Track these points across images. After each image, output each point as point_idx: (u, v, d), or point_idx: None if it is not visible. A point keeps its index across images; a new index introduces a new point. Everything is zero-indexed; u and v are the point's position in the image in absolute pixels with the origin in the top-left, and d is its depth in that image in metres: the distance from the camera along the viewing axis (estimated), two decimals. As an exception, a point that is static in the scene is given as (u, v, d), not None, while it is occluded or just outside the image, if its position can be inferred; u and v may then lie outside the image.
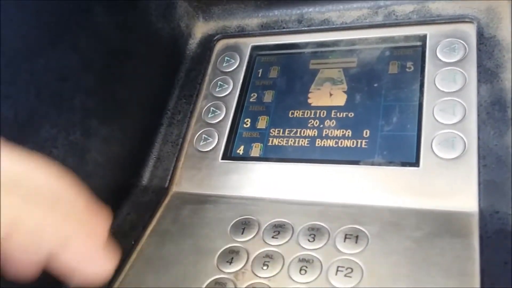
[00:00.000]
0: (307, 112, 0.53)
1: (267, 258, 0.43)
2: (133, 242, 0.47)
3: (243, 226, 0.46)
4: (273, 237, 0.44)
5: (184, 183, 0.53)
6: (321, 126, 0.52)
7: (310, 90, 0.55)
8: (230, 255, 0.44)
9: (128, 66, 0.53)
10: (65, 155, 0.44)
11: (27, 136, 0.41)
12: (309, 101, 0.54)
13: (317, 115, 0.53)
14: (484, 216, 0.40)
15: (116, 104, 0.51)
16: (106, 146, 0.50)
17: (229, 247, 0.45)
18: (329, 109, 0.52)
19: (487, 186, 0.41)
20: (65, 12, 0.45)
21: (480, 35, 0.49)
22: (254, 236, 0.45)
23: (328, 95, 0.54)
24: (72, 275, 0.29)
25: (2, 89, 0.38)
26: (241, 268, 0.43)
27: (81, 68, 0.47)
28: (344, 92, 0.53)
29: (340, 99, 0.53)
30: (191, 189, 0.52)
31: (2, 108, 0.38)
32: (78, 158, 0.46)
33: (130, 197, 0.52)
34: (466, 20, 0.51)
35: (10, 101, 0.39)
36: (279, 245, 0.44)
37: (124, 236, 0.48)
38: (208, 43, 0.62)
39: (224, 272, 0.43)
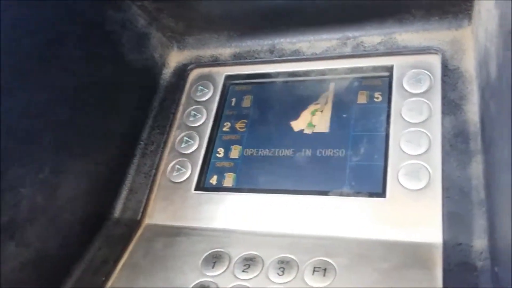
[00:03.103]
0: (279, 142, 0.54)
1: (237, 294, 0.43)
2: (103, 278, 0.47)
3: (214, 259, 0.46)
4: (243, 271, 0.45)
5: (157, 215, 0.53)
6: (292, 155, 0.52)
7: (282, 119, 0.55)
8: (201, 291, 0.44)
9: (100, 99, 0.53)
10: (34, 193, 0.44)
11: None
12: (282, 129, 0.54)
13: (289, 144, 0.53)
14: (447, 248, 0.40)
15: (88, 138, 0.51)
16: (77, 181, 0.50)
17: (200, 281, 0.45)
18: (300, 138, 0.53)
19: (450, 218, 0.42)
20: (34, 49, 0.45)
21: (445, 66, 0.50)
22: (224, 270, 0.45)
23: (300, 123, 0.54)
24: None
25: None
26: (211, 304, 0.43)
27: (51, 104, 0.47)
28: (314, 122, 0.54)
29: (310, 129, 0.54)
30: (163, 221, 0.52)
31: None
32: (48, 195, 0.46)
33: (102, 231, 0.52)
34: (431, 51, 0.52)
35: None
36: (249, 279, 0.44)
37: (95, 272, 0.48)
38: (182, 72, 0.63)
39: (194, 308, 0.43)
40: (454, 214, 0.42)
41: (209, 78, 0.61)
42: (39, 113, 0.46)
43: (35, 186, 0.45)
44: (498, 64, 0.37)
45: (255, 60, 0.60)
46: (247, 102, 0.59)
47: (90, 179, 0.52)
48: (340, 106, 0.54)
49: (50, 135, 0.47)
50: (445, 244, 0.41)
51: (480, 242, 0.39)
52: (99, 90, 0.53)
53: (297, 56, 0.58)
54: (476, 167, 0.43)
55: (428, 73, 0.51)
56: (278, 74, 0.59)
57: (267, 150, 0.54)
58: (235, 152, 0.55)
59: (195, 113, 0.59)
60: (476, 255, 0.39)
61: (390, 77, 0.53)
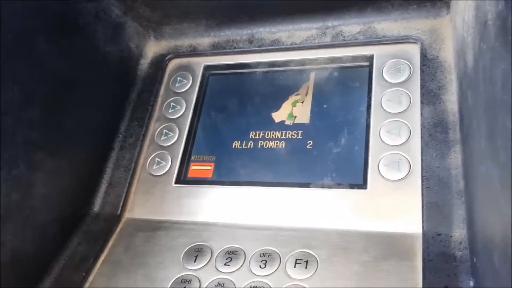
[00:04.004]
0: (259, 133, 0.53)
1: (219, 287, 0.43)
2: (84, 274, 0.46)
3: (196, 253, 0.46)
4: (225, 264, 0.45)
5: (137, 209, 0.52)
6: (273, 147, 0.52)
7: (263, 110, 0.55)
8: (183, 285, 0.44)
9: (75, 93, 0.52)
10: (8, 191, 0.43)
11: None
12: (262, 120, 0.54)
13: (269, 136, 0.53)
14: (427, 238, 0.41)
15: (64, 133, 0.50)
16: (54, 177, 0.49)
17: (181, 276, 0.45)
18: (280, 129, 0.53)
19: (430, 208, 0.42)
20: (2, 44, 0.44)
21: (424, 56, 0.50)
22: (206, 264, 0.45)
23: (281, 115, 0.54)
24: None
25: None
26: (193, 298, 0.43)
27: (23, 100, 0.45)
28: (295, 113, 0.53)
29: (291, 120, 0.53)
30: (144, 215, 0.52)
31: None
32: (23, 193, 0.45)
33: (81, 226, 0.51)
34: (410, 40, 0.52)
35: None
36: (231, 272, 0.44)
37: (75, 269, 0.47)
38: (160, 63, 0.61)
39: (176, 303, 0.43)
40: (434, 205, 0.42)
41: (187, 68, 0.60)
42: (11, 110, 0.44)
43: (9, 184, 0.43)
44: (474, 54, 0.37)
45: (234, 50, 0.59)
46: (226, 92, 0.58)
47: (67, 174, 0.51)
48: (321, 97, 0.53)
49: (22, 132, 0.45)
50: (425, 234, 0.41)
51: (459, 233, 0.40)
52: (73, 83, 0.52)
53: (276, 46, 0.57)
54: (455, 157, 0.44)
55: (407, 62, 0.51)
56: (258, 64, 0.58)
57: (248, 142, 0.53)
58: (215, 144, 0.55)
59: (174, 104, 0.58)
60: (455, 245, 0.39)
61: (370, 67, 0.53)
